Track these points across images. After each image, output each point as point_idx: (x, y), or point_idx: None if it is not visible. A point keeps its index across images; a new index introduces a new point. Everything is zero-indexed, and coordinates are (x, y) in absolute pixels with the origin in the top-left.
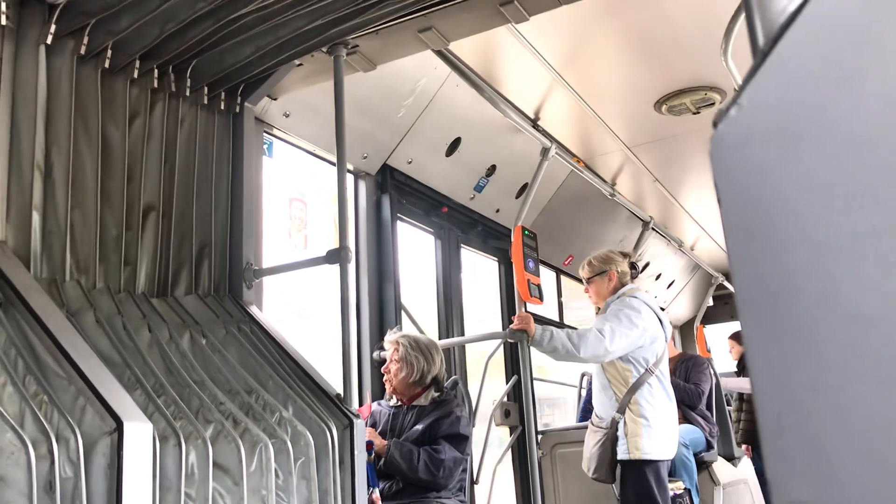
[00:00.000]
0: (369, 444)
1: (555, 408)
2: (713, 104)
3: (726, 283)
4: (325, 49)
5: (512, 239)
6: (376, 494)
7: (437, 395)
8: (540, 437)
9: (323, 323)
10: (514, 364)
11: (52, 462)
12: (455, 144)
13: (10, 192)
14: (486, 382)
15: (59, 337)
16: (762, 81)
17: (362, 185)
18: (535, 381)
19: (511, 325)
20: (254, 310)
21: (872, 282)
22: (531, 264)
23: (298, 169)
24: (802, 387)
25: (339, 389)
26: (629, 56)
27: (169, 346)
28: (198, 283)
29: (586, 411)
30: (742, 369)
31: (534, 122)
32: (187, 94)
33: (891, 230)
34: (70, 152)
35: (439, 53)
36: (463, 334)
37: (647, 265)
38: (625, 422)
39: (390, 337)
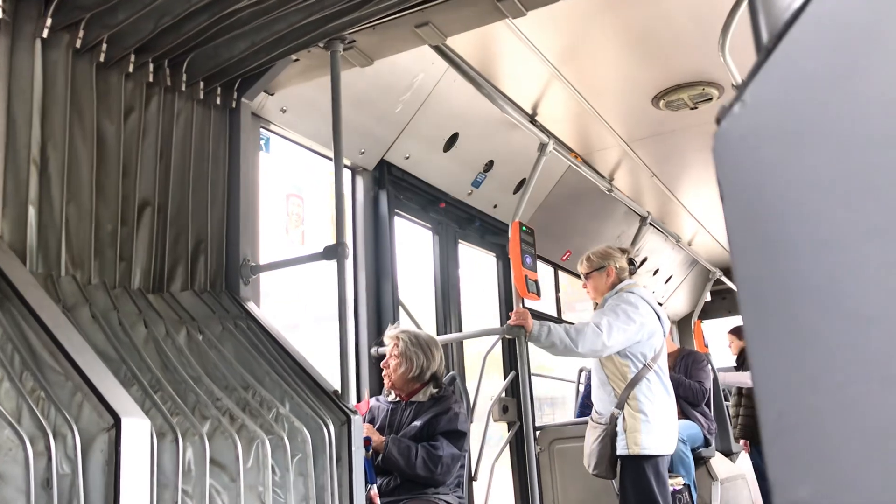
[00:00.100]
0: (367, 441)
1: (556, 407)
2: (711, 99)
3: (724, 279)
4: (321, 44)
5: (509, 235)
6: (374, 490)
7: (435, 391)
8: (538, 432)
9: (323, 321)
10: (512, 360)
11: (50, 459)
12: (453, 140)
13: (7, 187)
14: (484, 379)
15: (56, 332)
16: (766, 78)
17: (360, 181)
18: (533, 378)
19: (509, 321)
20: (251, 306)
21: (875, 281)
22: (528, 260)
23: (296, 164)
24: (804, 386)
25: (337, 386)
26: (627, 51)
27: (165, 342)
28: (194, 279)
29: (584, 406)
30: (741, 364)
31: (531, 118)
32: (183, 88)
33: (894, 229)
34: (66, 147)
35: (436, 49)
36: (461, 330)
37: (644, 260)
38: (623, 417)
39: (390, 332)
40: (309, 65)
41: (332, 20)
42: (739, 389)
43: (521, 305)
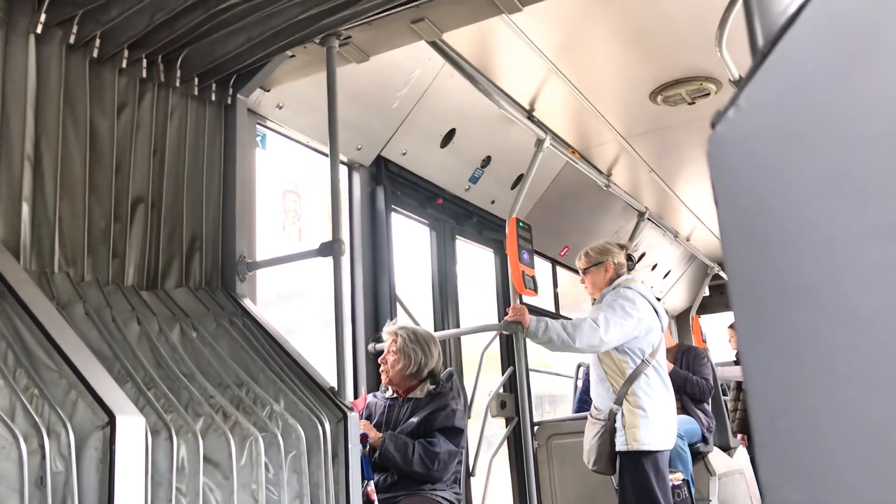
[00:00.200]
0: (364, 437)
1: (556, 404)
2: (708, 94)
3: (722, 273)
4: (317, 40)
5: (506, 231)
6: (371, 487)
7: (432, 387)
8: (536, 428)
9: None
10: (510, 356)
11: (44, 456)
12: (450, 135)
13: (0, 184)
14: (482, 375)
15: (50, 329)
16: (761, 83)
17: (356, 177)
18: (532, 374)
19: (506, 317)
20: (247, 303)
21: (870, 284)
22: (526, 256)
23: (292, 161)
24: (797, 390)
25: (334, 382)
26: (624, 46)
27: (158, 339)
28: (189, 276)
29: (582, 402)
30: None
31: (529, 113)
32: (177, 84)
33: (889, 232)
34: (59, 143)
35: (433, 44)
36: (458, 326)
37: (642, 255)
38: (622, 413)
39: (389, 328)
40: (305, 61)
41: (328, 16)
42: (738, 384)
43: (518, 301)
